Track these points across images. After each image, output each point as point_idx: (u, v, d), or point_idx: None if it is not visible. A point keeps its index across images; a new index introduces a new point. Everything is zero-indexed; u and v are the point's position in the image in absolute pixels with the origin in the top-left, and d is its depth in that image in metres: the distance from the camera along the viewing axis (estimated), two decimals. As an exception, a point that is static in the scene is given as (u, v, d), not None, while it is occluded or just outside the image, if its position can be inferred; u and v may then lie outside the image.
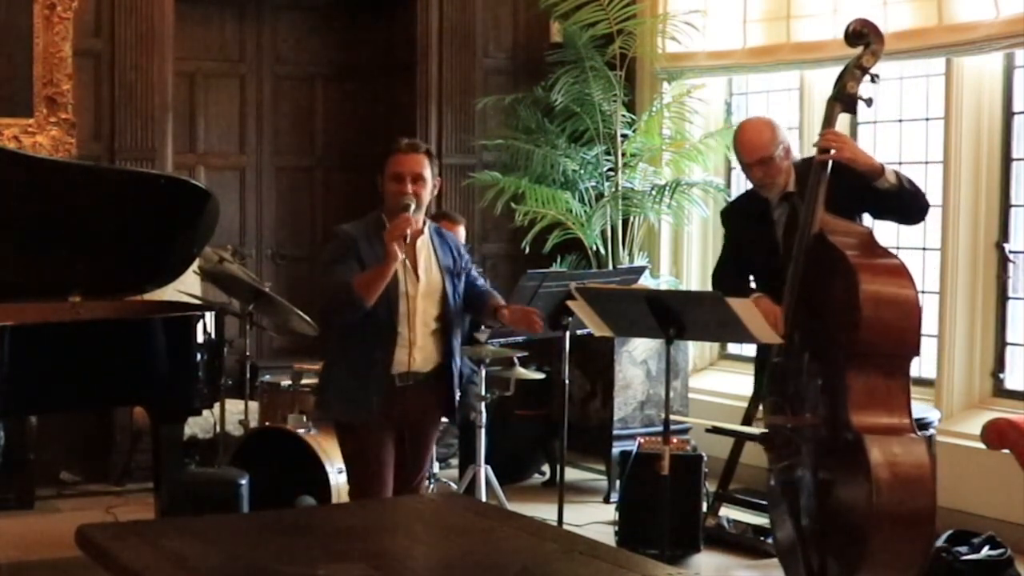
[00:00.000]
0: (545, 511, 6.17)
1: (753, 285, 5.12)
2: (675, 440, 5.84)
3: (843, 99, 4.77)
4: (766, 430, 5.02)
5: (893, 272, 4.63)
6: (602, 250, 7.84)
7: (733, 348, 7.99)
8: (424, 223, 4.78)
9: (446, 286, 4.78)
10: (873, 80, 4.77)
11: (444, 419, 5.06)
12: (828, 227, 4.66)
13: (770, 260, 4.92)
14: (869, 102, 4.78)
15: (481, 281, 5.03)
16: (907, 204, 4.82)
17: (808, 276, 4.68)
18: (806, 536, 4.71)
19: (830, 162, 4.71)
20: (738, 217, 5.24)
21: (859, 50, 4.78)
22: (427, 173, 4.70)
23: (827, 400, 4.64)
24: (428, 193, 4.73)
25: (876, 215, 5.03)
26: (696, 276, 8.11)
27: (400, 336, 4.69)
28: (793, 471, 4.77)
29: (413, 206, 4.62)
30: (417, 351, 4.72)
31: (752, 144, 4.96)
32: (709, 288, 7.83)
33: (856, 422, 4.51)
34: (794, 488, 4.76)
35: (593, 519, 6.64)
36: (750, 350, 7.53)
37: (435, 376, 4.79)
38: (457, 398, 4.89)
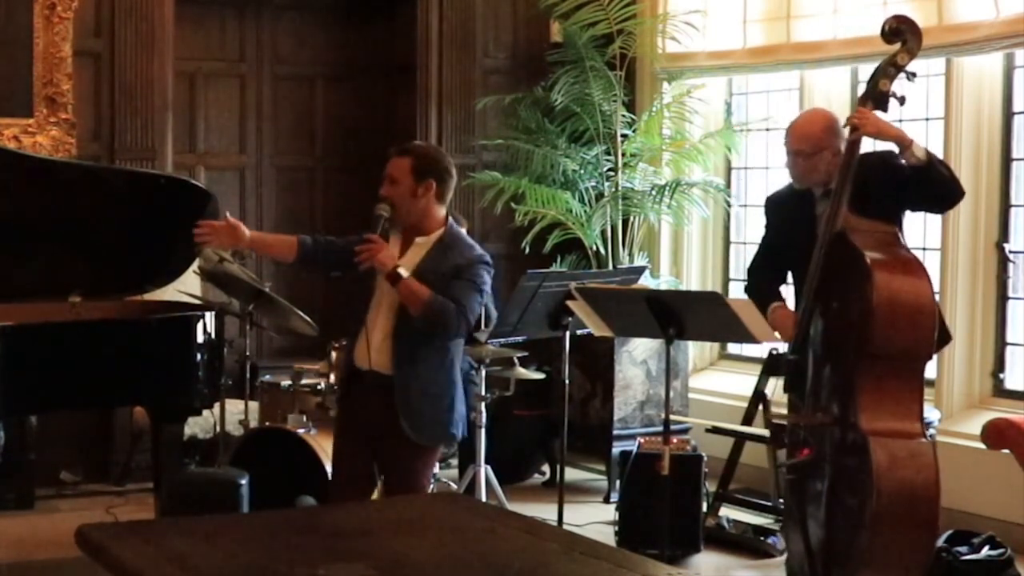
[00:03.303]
0: (545, 511, 6.17)
1: (790, 282, 5.04)
2: (675, 440, 5.84)
3: (875, 96, 4.69)
4: (769, 428, 5.01)
5: (910, 273, 4.57)
6: (602, 250, 7.84)
7: (733, 348, 7.98)
8: (443, 229, 4.68)
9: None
10: (909, 78, 4.70)
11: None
12: (851, 225, 4.60)
13: (809, 256, 4.75)
14: (902, 100, 4.70)
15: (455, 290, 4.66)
16: (935, 182, 4.66)
17: (827, 274, 4.63)
18: (811, 536, 4.69)
19: (860, 147, 4.63)
20: (780, 208, 5.09)
21: (895, 47, 4.69)
22: (401, 175, 4.61)
23: (838, 401, 4.62)
24: (401, 195, 4.62)
25: (909, 205, 4.88)
26: (696, 276, 8.11)
27: (366, 329, 4.66)
28: (805, 470, 4.75)
29: (385, 216, 4.59)
30: (373, 351, 4.63)
31: (797, 133, 4.85)
32: (716, 287, 7.90)
33: (863, 424, 4.48)
34: (803, 487, 4.74)
35: (593, 519, 6.64)
36: (750, 350, 7.55)
37: (391, 383, 4.64)
38: (409, 413, 4.60)
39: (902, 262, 4.62)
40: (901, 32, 4.70)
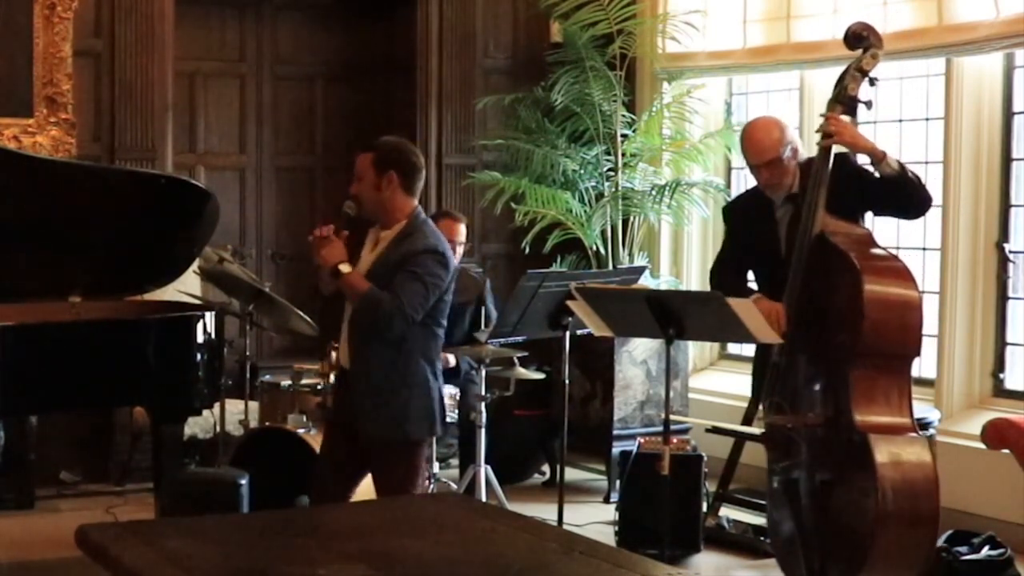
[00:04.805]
0: (545, 511, 6.17)
1: (753, 284, 5.11)
2: (675, 440, 5.83)
3: (843, 101, 4.77)
4: (766, 429, 5.02)
5: (897, 274, 4.64)
6: (602, 250, 7.84)
7: (733, 348, 7.98)
8: (408, 222, 4.71)
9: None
10: (871, 83, 4.77)
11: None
12: (829, 228, 4.66)
13: (771, 259, 4.89)
14: (869, 104, 4.78)
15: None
16: (909, 193, 4.75)
17: (809, 277, 4.67)
18: (807, 536, 4.70)
19: (833, 151, 4.69)
20: (740, 215, 5.20)
21: (859, 52, 4.77)
22: (364, 169, 4.66)
23: (830, 400, 4.64)
24: (366, 189, 4.67)
25: (877, 209, 4.98)
26: (696, 276, 8.11)
27: (342, 331, 4.77)
28: (794, 471, 4.77)
29: (351, 214, 4.68)
30: (343, 347, 4.78)
31: (760, 146, 4.89)
32: (708, 285, 7.91)
33: (860, 422, 4.51)
34: (796, 488, 4.76)
35: (593, 519, 6.64)
36: (750, 350, 7.49)
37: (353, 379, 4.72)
38: (360, 404, 4.65)
39: (887, 262, 4.68)
40: (864, 38, 4.80)
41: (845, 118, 4.75)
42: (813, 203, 4.67)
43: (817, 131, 4.81)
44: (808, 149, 5.05)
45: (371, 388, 4.63)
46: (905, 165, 4.77)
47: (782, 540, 4.95)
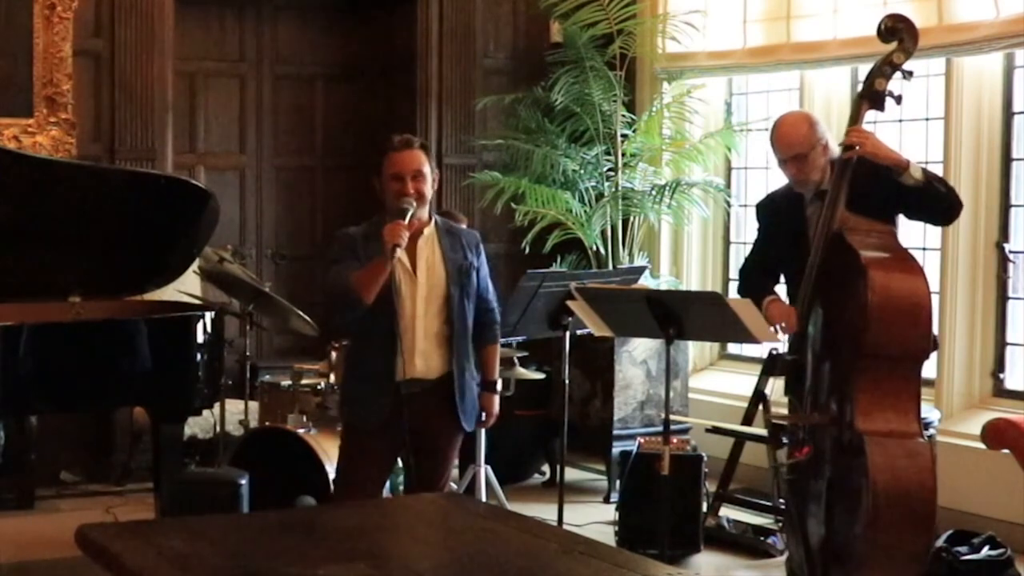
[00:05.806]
0: (545, 511, 6.17)
1: (783, 284, 5.05)
2: (675, 440, 5.83)
3: (871, 96, 4.68)
4: (767, 428, 5.01)
5: (906, 273, 4.56)
6: (602, 250, 7.84)
7: (733, 348, 7.98)
8: (431, 218, 4.72)
9: (451, 288, 4.65)
10: (906, 77, 4.69)
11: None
12: (848, 225, 4.60)
13: (800, 257, 4.79)
14: (899, 99, 4.69)
15: (488, 303, 4.84)
16: (933, 202, 4.70)
17: (824, 274, 4.63)
18: (811, 535, 4.70)
19: (853, 159, 4.64)
20: (771, 211, 5.11)
21: (892, 46, 4.68)
22: (426, 169, 4.60)
23: (836, 400, 4.62)
24: (429, 188, 4.62)
25: (908, 213, 4.90)
26: (696, 276, 8.11)
27: (400, 341, 4.54)
28: (805, 470, 4.75)
29: (412, 209, 4.51)
30: (418, 357, 4.61)
31: (787, 140, 4.83)
32: (716, 287, 7.91)
33: (860, 424, 4.48)
34: (803, 487, 4.75)
35: (593, 519, 6.64)
36: (750, 350, 7.56)
37: (443, 384, 4.66)
38: (464, 407, 4.70)
39: (898, 262, 4.60)
40: (897, 31, 4.69)
41: (872, 114, 4.70)
42: (833, 201, 4.62)
43: (840, 144, 4.74)
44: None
45: (472, 385, 4.76)
46: (931, 173, 4.70)
47: (797, 559, 4.89)
